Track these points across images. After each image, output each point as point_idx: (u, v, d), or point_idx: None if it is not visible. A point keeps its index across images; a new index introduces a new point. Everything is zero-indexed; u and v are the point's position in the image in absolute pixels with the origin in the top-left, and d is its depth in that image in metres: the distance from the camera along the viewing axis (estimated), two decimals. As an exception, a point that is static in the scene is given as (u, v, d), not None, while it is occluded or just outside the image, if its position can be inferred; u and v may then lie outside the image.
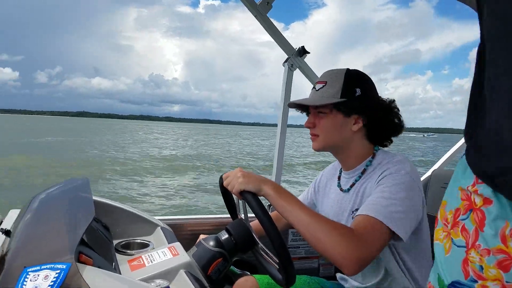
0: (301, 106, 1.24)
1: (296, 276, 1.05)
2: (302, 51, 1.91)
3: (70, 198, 1.12)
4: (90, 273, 0.77)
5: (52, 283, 0.71)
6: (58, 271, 0.73)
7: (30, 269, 0.73)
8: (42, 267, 0.75)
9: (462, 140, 2.36)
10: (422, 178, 2.05)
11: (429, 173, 2.08)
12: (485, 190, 0.53)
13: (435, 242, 0.62)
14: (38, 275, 0.73)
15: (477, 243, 0.53)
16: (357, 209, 1.14)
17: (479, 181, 0.54)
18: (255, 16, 1.82)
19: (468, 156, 0.57)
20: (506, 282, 0.50)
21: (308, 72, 1.95)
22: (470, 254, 0.54)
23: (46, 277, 0.72)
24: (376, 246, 0.95)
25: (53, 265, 0.75)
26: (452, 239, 0.58)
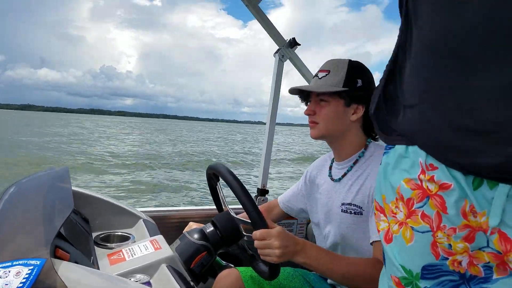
0: (302, 93, 1.25)
1: (280, 268, 1.04)
2: (293, 43, 1.91)
3: (47, 189, 1.07)
4: (66, 269, 0.73)
5: (24, 280, 0.67)
6: (31, 267, 0.69)
7: (0, 265, 0.69)
8: (14, 263, 0.70)
9: None
10: None
11: None
12: (442, 175, 0.57)
13: (394, 235, 0.65)
14: (9, 271, 0.69)
15: (441, 224, 0.58)
16: (349, 204, 1.15)
17: (430, 168, 0.59)
18: (246, 6, 1.80)
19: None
20: (471, 251, 0.57)
21: (298, 64, 1.95)
22: (437, 236, 0.58)
23: (17, 273, 0.68)
24: None
25: (26, 261, 0.71)
26: (412, 227, 0.61)
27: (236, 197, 1.02)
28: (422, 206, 0.60)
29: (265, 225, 1.00)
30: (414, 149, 0.62)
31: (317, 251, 1.04)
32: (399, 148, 0.65)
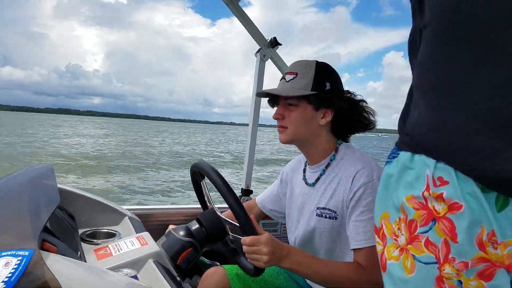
0: (270, 97, 1.23)
1: None
2: (274, 42, 1.92)
3: (33, 184, 1.07)
4: (54, 261, 0.74)
5: (13, 270, 0.67)
6: (20, 258, 0.70)
7: (-12, 256, 0.69)
8: (3, 253, 0.71)
9: None
10: None
11: None
12: (453, 192, 0.46)
13: (389, 262, 0.54)
14: (-2, 262, 0.69)
15: (450, 256, 0.46)
16: (324, 208, 1.16)
17: (438, 184, 0.48)
18: (226, 5, 1.81)
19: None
20: None
21: (279, 63, 1.97)
22: (444, 270, 0.47)
23: (6, 264, 0.68)
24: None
25: (14, 252, 0.71)
26: (413, 255, 0.50)
27: (225, 201, 1.02)
28: (426, 231, 0.49)
29: (254, 232, 1.01)
30: (420, 159, 0.51)
31: (302, 257, 1.05)
32: (403, 157, 0.54)
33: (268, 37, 1.94)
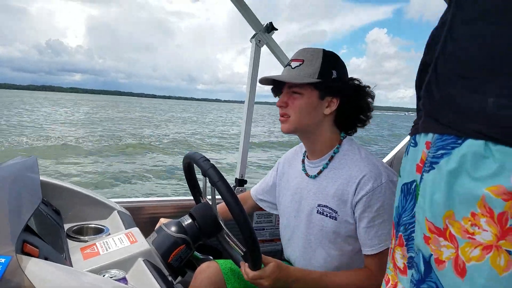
0: (273, 84, 1.18)
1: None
2: (270, 27, 1.85)
3: (14, 180, 1.01)
4: (33, 266, 0.68)
5: (-13, 279, 0.62)
6: (-5, 265, 0.64)
7: (-40, 264, 0.64)
8: (-23, 260, 0.65)
9: None
10: (386, 159, 2.07)
11: (393, 153, 2.10)
12: None
13: (468, 264, 0.48)
14: (-29, 270, 0.63)
15: None
16: (325, 206, 1.12)
17: None
18: None
19: None
20: None
21: (275, 49, 1.90)
22: None
23: (-20, 272, 0.63)
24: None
25: (-11, 259, 0.65)
26: (508, 251, 0.45)
27: (234, 221, 0.95)
28: None
29: (259, 265, 0.99)
30: (499, 146, 0.46)
31: (310, 278, 1.08)
32: (474, 146, 0.48)
33: (256, 14, 1.87)
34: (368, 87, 1.18)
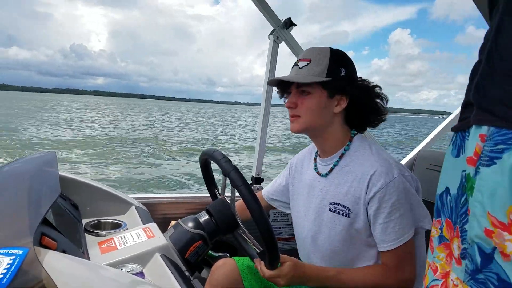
0: (281, 84, 1.16)
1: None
2: (289, 23, 1.82)
3: (34, 173, 1.01)
4: (51, 259, 0.68)
5: (5, 270, 0.61)
6: (13, 257, 0.64)
7: (-21, 255, 0.64)
8: (-5, 251, 0.65)
9: (449, 119, 2.29)
10: (406, 159, 2.02)
11: (413, 153, 2.04)
12: None
13: (507, 262, 0.48)
14: (-10, 261, 0.63)
15: None
16: (337, 203, 1.10)
17: None
18: None
19: None
20: None
21: (294, 46, 1.87)
22: None
23: (-2, 263, 0.63)
24: (412, 259, 1.06)
25: (7, 250, 0.65)
26: None
27: (254, 221, 0.94)
28: None
29: (276, 265, 1.00)
30: None
31: (326, 276, 1.07)
32: None
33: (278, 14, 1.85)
34: (378, 87, 1.15)
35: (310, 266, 1.09)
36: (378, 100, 1.15)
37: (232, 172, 0.97)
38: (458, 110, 2.27)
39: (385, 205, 1.02)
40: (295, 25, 1.83)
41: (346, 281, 1.06)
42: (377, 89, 1.16)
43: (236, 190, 0.97)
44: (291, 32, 1.87)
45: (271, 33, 1.85)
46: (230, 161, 1.02)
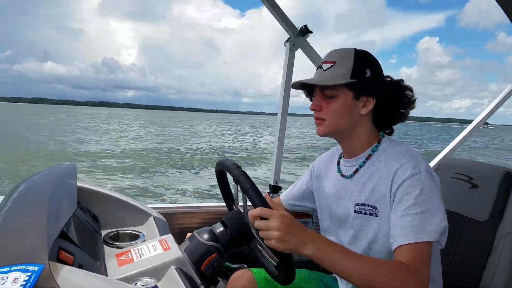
0: (306, 87, 1.14)
1: (296, 271, 0.97)
2: (305, 30, 1.82)
3: (53, 187, 1.04)
4: (66, 274, 0.69)
5: (21, 287, 0.63)
6: (29, 273, 0.65)
7: (-3, 271, 0.65)
8: (13, 268, 0.67)
9: (470, 127, 2.23)
10: (431, 164, 1.96)
11: (436, 161, 1.99)
12: None
13: None
14: (7, 277, 0.65)
15: None
16: (363, 204, 1.06)
17: None
18: None
19: None
20: None
21: (310, 53, 1.86)
22: None
23: (15, 279, 0.64)
24: (429, 267, 0.91)
25: (24, 267, 0.67)
26: None
27: (240, 188, 0.95)
28: None
29: (263, 203, 0.91)
30: None
31: (331, 245, 0.90)
32: None
33: (299, 25, 1.84)
34: (402, 80, 1.11)
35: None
36: (407, 92, 1.10)
37: (240, 177, 0.97)
38: (481, 117, 2.21)
39: (408, 197, 0.95)
40: (311, 32, 1.82)
41: (358, 259, 0.90)
42: (402, 83, 1.11)
43: (246, 197, 0.96)
44: (308, 39, 1.86)
45: (287, 41, 1.85)
46: (240, 167, 1.01)
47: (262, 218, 0.90)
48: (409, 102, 1.11)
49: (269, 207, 0.92)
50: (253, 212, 0.92)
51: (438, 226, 0.92)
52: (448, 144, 2.20)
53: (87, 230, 1.10)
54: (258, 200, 0.92)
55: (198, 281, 0.99)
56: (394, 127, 1.17)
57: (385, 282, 0.85)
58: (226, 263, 1.33)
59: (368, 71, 1.05)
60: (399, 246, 0.92)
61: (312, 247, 0.87)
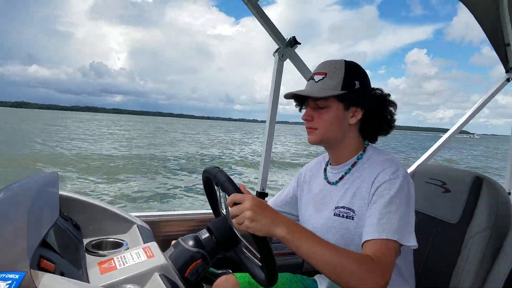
0: (298, 98, 1.18)
1: (279, 274, 0.99)
2: (293, 41, 1.87)
3: (34, 195, 1.03)
4: (48, 282, 0.69)
5: (1, 295, 0.63)
6: (9, 281, 0.65)
7: (-24, 280, 0.65)
8: (-8, 276, 0.66)
9: (446, 135, 2.38)
10: (409, 171, 2.02)
11: (413, 168, 2.05)
12: None
13: None
14: (-13, 286, 0.64)
15: None
16: (342, 206, 1.10)
17: None
18: (245, 4, 1.76)
19: None
20: None
21: (299, 63, 1.90)
22: None
23: (-5, 288, 0.64)
24: (393, 264, 0.94)
25: (4, 275, 0.66)
26: None
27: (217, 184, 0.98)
28: None
29: (236, 190, 0.94)
30: None
31: (302, 230, 0.92)
32: None
33: (290, 36, 1.88)
34: (389, 95, 1.17)
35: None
36: (391, 108, 1.17)
37: (217, 173, 1.00)
38: (456, 127, 2.36)
39: (382, 199, 1.00)
40: (299, 43, 1.88)
41: (326, 245, 0.90)
42: (389, 97, 1.17)
43: (221, 188, 0.99)
44: (296, 50, 1.91)
45: (276, 51, 1.89)
46: (218, 167, 1.04)
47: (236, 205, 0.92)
48: (391, 117, 1.17)
49: (242, 193, 0.94)
50: (228, 200, 0.93)
51: (404, 229, 0.97)
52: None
53: (69, 239, 1.08)
54: (232, 187, 0.94)
55: (182, 287, 0.99)
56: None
57: (351, 271, 0.87)
58: (211, 268, 1.33)
59: (357, 82, 1.10)
60: (366, 240, 0.97)
61: (285, 229, 0.89)
